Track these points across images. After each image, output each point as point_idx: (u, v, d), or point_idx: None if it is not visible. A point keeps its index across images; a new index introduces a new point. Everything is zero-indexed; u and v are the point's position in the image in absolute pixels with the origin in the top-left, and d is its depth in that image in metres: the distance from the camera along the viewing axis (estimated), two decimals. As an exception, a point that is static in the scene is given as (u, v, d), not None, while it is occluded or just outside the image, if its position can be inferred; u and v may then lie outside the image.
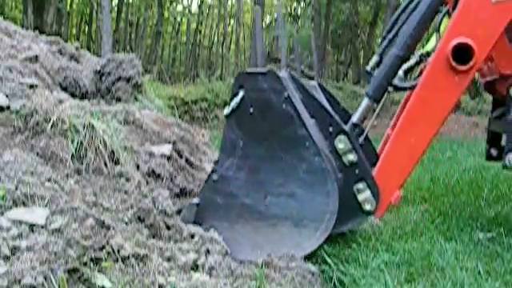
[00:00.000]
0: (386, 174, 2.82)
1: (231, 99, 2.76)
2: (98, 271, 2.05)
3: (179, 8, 35.97)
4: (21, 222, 2.11)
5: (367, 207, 2.75)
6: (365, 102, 2.97)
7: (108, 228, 2.24)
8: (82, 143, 2.67)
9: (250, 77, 2.72)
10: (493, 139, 3.72)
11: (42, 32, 4.42)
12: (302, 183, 2.64)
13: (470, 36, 2.87)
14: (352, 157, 2.76)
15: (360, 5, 25.73)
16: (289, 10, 32.10)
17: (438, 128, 2.94)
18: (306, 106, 2.80)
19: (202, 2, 35.67)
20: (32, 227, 2.10)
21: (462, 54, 2.87)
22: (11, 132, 2.61)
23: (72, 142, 2.64)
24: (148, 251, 2.25)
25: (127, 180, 2.74)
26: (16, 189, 2.23)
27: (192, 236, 2.55)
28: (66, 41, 4.32)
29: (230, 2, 34.51)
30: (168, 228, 2.57)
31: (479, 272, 2.67)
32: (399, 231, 3.46)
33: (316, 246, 2.54)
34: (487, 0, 2.88)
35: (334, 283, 2.47)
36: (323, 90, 3.62)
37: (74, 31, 31.70)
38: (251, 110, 2.73)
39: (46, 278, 1.86)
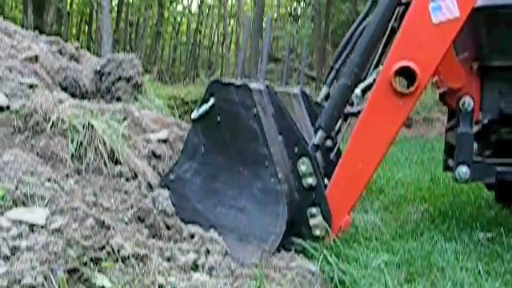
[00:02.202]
0: (335, 199, 2.82)
1: (201, 104, 2.76)
2: (98, 271, 2.05)
3: (179, 8, 35.98)
4: (21, 222, 2.10)
5: (317, 232, 2.76)
6: (319, 133, 2.95)
7: (108, 228, 2.24)
8: (81, 143, 2.66)
9: (223, 87, 2.72)
10: (450, 150, 3.71)
11: (41, 32, 4.42)
12: (254, 200, 2.66)
13: (412, 59, 2.87)
14: (311, 180, 2.78)
15: (360, 5, 25.72)
16: (289, 9, 32.10)
17: (384, 152, 2.94)
18: (277, 122, 2.81)
19: (202, 1, 35.67)
20: (32, 227, 2.10)
21: (406, 77, 2.88)
22: (11, 132, 2.61)
23: (72, 141, 2.63)
24: (148, 251, 2.25)
25: (127, 180, 2.74)
26: (16, 189, 2.23)
27: (192, 236, 2.55)
28: (66, 41, 4.32)
29: (230, 2, 34.52)
30: (168, 228, 2.57)
31: (479, 272, 2.67)
32: (399, 231, 3.46)
33: (256, 263, 2.55)
34: (428, 22, 2.87)
35: (335, 283, 2.47)
36: (306, 97, 3.62)
37: (74, 31, 31.70)
38: (219, 119, 2.73)
39: (46, 278, 1.86)
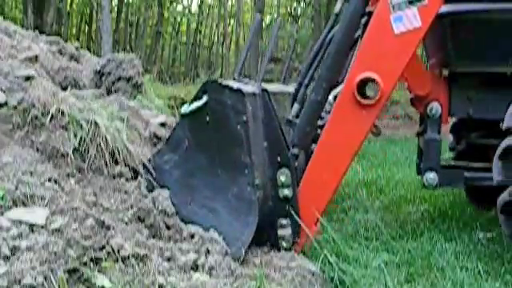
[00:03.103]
0: (302, 210, 2.81)
1: (192, 101, 2.76)
2: (98, 271, 2.05)
3: (179, 8, 35.97)
4: (21, 222, 2.10)
5: (283, 244, 2.77)
6: (293, 151, 2.93)
7: (108, 228, 2.24)
8: (84, 139, 2.62)
9: (218, 88, 2.71)
10: (422, 154, 3.70)
11: (41, 32, 4.42)
12: (227, 205, 2.66)
13: (375, 70, 2.87)
14: (287, 192, 2.78)
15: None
16: (289, 9, 32.10)
17: (349, 162, 2.95)
18: (265, 128, 2.81)
19: (201, 1, 35.67)
20: (32, 227, 2.10)
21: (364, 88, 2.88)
22: (9, 129, 2.58)
23: (75, 136, 2.59)
24: (148, 251, 2.25)
25: (127, 180, 2.74)
26: (16, 189, 2.23)
27: (192, 236, 2.55)
28: (66, 41, 4.31)
29: (230, 2, 34.51)
30: (168, 228, 2.57)
31: (479, 272, 2.67)
32: (399, 231, 3.46)
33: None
34: (390, 33, 2.88)
35: (335, 283, 2.47)
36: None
37: (74, 31, 31.69)
38: (208, 118, 2.72)
39: (46, 278, 1.86)
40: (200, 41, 37.02)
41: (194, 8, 36.98)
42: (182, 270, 2.27)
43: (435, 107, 3.31)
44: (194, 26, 35.92)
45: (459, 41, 3.21)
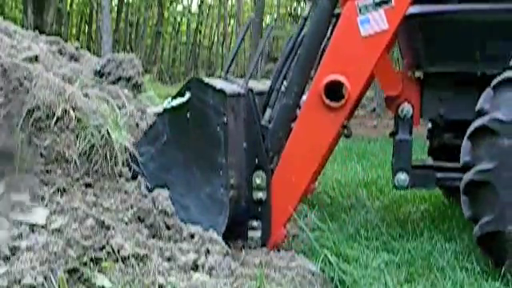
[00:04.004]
0: (271, 212, 2.84)
1: (175, 97, 2.77)
2: (98, 271, 2.05)
3: (179, 8, 35.98)
4: (21, 222, 2.11)
5: (252, 245, 2.80)
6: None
7: (108, 228, 2.24)
8: (91, 143, 2.56)
9: (201, 86, 2.72)
10: None
11: (41, 32, 4.41)
12: (199, 203, 2.68)
13: (341, 73, 2.87)
14: (261, 195, 2.82)
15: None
16: (289, 9, 32.10)
17: (317, 165, 2.97)
18: (246, 128, 2.83)
19: (201, 1, 35.67)
20: (32, 227, 2.10)
21: (337, 90, 2.89)
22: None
23: (84, 138, 2.54)
24: (148, 251, 2.25)
25: (127, 180, 2.74)
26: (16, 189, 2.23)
27: (192, 236, 2.55)
28: (66, 41, 4.30)
29: (230, 2, 34.52)
30: (168, 228, 2.57)
31: (479, 272, 2.67)
32: (399, 231, 3.46)
33: None
34: (357, 36, 2.88)
35: (335, 283, 2.47)
36: None
37: (74, 31, 31.69)
38: (189, 115, 2.73)
39: (45, 278, 1.87)
40: (200, 41, 37.03)
41: (194, 8, 36.99)
42: (182, 270, 2.27)
43: (406, 108, 3.31)
44: (193, 25, 35.92)
45: (429, 42, 3.22)
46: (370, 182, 5.17)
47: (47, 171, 2.39)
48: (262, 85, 3.49)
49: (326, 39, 3.16)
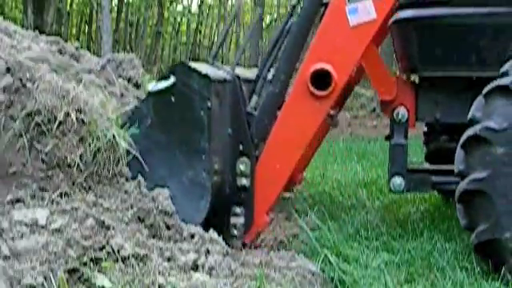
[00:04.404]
0: (254, 199, 2.86)
1: (161, 79, 2.79)
2: (98, 271, 2.05)
3: (179, 8, 35.96)
4: (21, 222, 2.11)
5: (234, 232, 2.82)
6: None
7: (108, 228, 2.24)
8: (96, 146, 2.53)
9: (186, 70, 2.74)
10: None
11: (41, 32, 4.41)
12: (180, 187, 2.70)
13: (328, 62, 2.89)
14: (245, 181, 2.85)
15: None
16: (289, 9, 32.10)
17: (301, 153, 2.98)
18: (232, 114, 2.85)
19: (201, 1, 35.66)
20: (32, 227, 2.10)
21: (323, 79, 2.90)
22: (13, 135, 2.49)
23: (89, 145, 2.50)
24: (148, 251, 2.25)
25: (127, 180, 2.73)
26: (16, 189, 2.23)
27: (192, 236, 2.55)
28: (66, 41, 4.30)
29: (230, 2, 34.52)
30: (168, 228, 2.57)
31: (479, 272, 2.67)
32: (399, 231, 3.46)
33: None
34: (345, 25, 2.89)
35: (335, 283, 2.47)
36: None
37: (74, 31, 31.68)
38: (173, 99, 2.75)
39: (45, 278, 1.87)
40: (200, 41, 37.02)
41: (194, 8, 36.97)
42: (182, 270, 2.27)
43: (401, 112, 3.31)
44: (193, 25, 35.91)
45: (424, 46, 3.21)
46: (370, 182, 5.17)
47: (48, 177, 2.39)
48: (250, 72, 3.50)
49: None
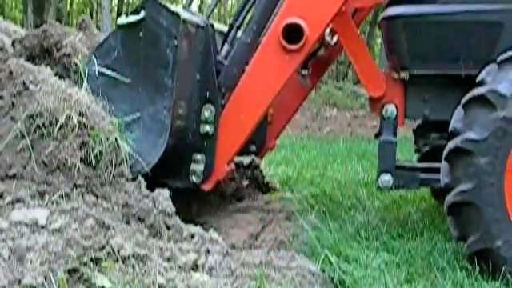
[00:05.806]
0: (217, 147, 2.88)
1: (132, 13, 2.80)
2: (98, 271, 2.05)
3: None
4: (21, 222, 2.10)
5: (193, 179, 2.86)
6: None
7: (108, 228, 2.24)
8: (100, 151, 2.51)
9: (157, 7, 2.75)
10: None
11: (42, 32, 4.41)
12: (141, 123, 2.72)
13: (301, 17, 2.92)
14: (209, 128, 2.86)
15: (360, 4, 25.67)
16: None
17: (266, 106, 3.01)
18: (202, 61, 2.86)
19: (202, 2, 35.69)
20: (32, 227, 2.10)
21: (295, 33, 2.92)
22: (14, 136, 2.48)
23: (91, 148, 2.48)
24: (148, 251, 2.25)
25: (127, 180, 2.73)
26: (16, 189, 2.23)
27: (192, 236, 2.55)
28: (66, 41, 4.30)
29: (230, 2, 34.52)
30: (168, 228, 2.57)
31: (479, 272, 2.67)
32: (399, 231, 3.46)
33: None
34: None
35: (335, 283, 2.47)
36: None
37: (74, 31, 31.68)
38: (141, 34, 2.76)
39: (45, 278, 1.86)
40: (200, 41, 37.02)
41: (194, 8, 36.99)
42: (182, 269, 2.27)
43: (390, 109, 3.31)
44: (193, 25, 35.93)
45: (412, 43, 3.20)
46: (370, 182, 5.17)
47: (48, 179, 2.38)
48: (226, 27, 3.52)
49: None
